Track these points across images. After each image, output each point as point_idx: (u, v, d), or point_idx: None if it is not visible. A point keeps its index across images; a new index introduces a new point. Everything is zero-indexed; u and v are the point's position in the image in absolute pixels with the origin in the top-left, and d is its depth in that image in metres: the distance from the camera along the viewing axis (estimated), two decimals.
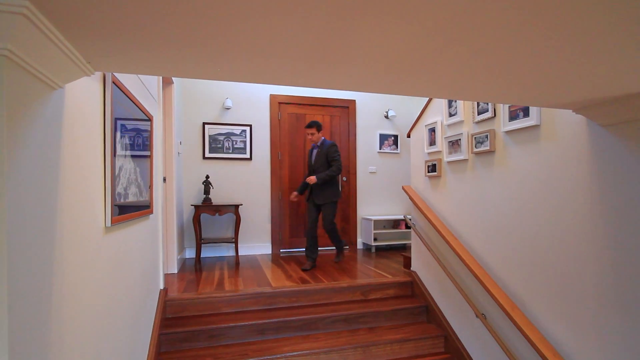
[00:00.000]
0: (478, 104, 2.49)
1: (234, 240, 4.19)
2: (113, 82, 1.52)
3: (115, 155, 1.53)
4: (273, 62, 1.06)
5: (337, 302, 3.20)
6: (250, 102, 4.70)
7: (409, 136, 3.47)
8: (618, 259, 1.66)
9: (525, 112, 2.10)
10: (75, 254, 1.16)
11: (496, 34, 0.86)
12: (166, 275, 3.46)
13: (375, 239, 4.85)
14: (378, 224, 5.00)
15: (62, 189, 1.05)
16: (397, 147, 5.27)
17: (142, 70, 1.16)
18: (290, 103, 4.83)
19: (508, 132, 2.25)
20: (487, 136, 2.39)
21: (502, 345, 2.26)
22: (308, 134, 3.81)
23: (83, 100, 1.25)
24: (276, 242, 4.75)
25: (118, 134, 1.60)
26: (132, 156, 1.86)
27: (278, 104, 4.78)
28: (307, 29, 0.82)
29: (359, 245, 5.14)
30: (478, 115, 2.49)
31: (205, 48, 0.94)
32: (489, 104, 2.38)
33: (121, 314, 1.72)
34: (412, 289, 3.39)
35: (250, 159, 4.67)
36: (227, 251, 4.63)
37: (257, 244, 4.72)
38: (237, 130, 4.59)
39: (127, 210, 1.74)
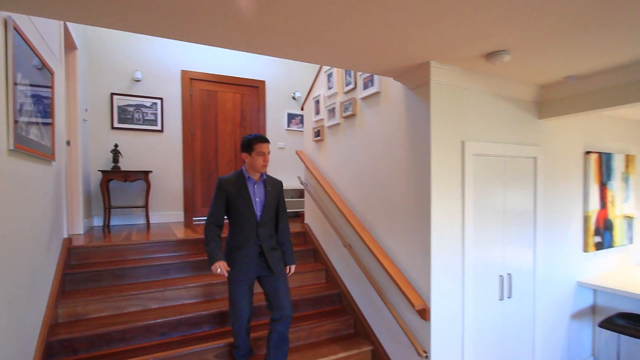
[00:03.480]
0: (346, 78, 3.14)
1: (144, 206, 4.40)
2: (14, 28, 1.79)
3: (16, 86, 1.80)
4: (155, 14, 1.49)
5: None
6: (161, 75, 4.88)
7: (302, 109, 4.06)
8: (413, 184, 2.40)
9: (372, 82, 2.78)
10: None
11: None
12: (71, 237, 3.59)
13: None
14: (286, 193, 5.56)
15: None
16: (303, 125, 5.87)
17: (50, 13, 1.50)
18: (202, 80, 5.12)
19: (363, 99, 2.92)
20: (350, 103, 3.05)
21: (362, 267, 2.95)
22: (265, 153, 2.26)
23: None
24: (189, 210, 5.03)
25: (19, 75, 1.86)
26: (34, 102, 2.11)
27: (190, 79, 5.04)
28: None
29: None
30: (345, 86, 3.14)
31: None
32: (352, 77, 3.04)
33: (22, 240, 1.99)
34: (305, 237, 4.01)
35: (162, 131, 4.87)
36: (138, 219, 4.79)
37: (169, 212, 4.95)
38: (147, 102, 4.75)
39: (29, 144, 2.00)
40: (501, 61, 2.04)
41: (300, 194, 5.75)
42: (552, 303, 3.02)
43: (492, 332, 2.64)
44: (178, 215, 5.00)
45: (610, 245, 3.45)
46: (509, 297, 2.73)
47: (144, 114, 4.74)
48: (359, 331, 3.09)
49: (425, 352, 2.35)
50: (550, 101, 2.78)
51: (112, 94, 4.59)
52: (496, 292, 2.66)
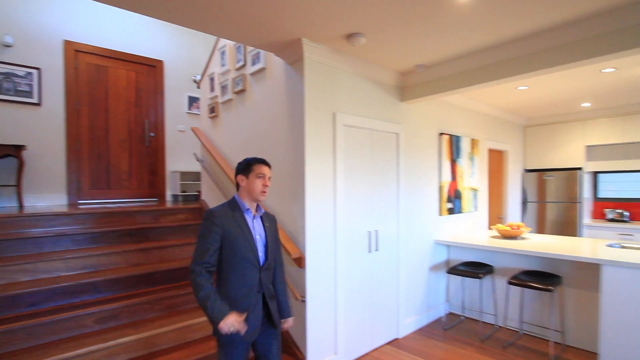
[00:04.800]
0: (237, 55, 3.32)
1: (16, 185, 3.96)
2: None
3: None
4: None
5: (129, 225, 3.59)
6: (38, 43, 4.43)
7: (199, 87, 4.11)
8: (292, 150, 2.71)
9: (259, 59, 3.02)
10: None
11: None
12: None
13: (183, 191, 5.34)
14: (186, 176, 5.49)
15: None
16: None
17: None
18: (90, 53, 4.78)
19: (252, 74, 3.15)
20: (241, 79, 3.25)
21: None
22: (265, 177, 1.88)
23: None
24: (73, 193, 4.66)
25: None
26: None
27: (74, 51, 4.67)
28: None
29: (168, 197, 5.52)
30: (237, 63, 3.32)
31: None
32: (242, 54, 3.24)
33: None
34: (201, 213, 4.08)
35: (39, 104, 4.42)
36: (9, 201, 4.28)
37: (49, 194, 4.52)
38: (20, 71, 4.27)
39: None
40: (359, 43, 2.45)
41: (199, 176, 5.72)
42: (414, 257, 3.64)
43: (363, 279, 3.10)
44: (60, 198, 4.59)
45: (460, 211, 4.26)
46: (376, 250, 3.22)
47: (16, 84, 4.25)
48: None
49: (302, 297, 2.67)
50: (408, 86, 3.36)
51: None
52: (365, 245, 3.12)
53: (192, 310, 2.90)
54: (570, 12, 2.18)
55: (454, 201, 4.15)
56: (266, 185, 1.85)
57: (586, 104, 4.78)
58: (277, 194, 2.91)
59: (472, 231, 4.46)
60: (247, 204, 1.87)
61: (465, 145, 4.31)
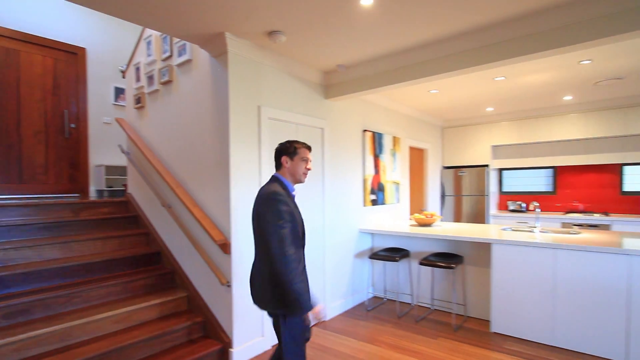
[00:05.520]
0: (163, 45, 3.32)
1: None
2: None
3: None
4: None
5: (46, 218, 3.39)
6: None
7: (124, 76, 3.99)
8: (218, 141, 2.80)
9: (185, 50, 3.06)
10: None
11: None
12: None
13: (110, 186, 5.09)
14: (112, 170, 5.24)
15: None
16: None
17: None
18: None
19: (178, 65, 3.17)
20: (167, 70, 3.25)
21: (179, 223, 3.18)
22: (308, 161, 1.92)
23: None
24: None
25: None
26: None
27: None
28: None
29: (92, 193, 5.23)
30: (163, 54, 3.32)
31: None
32: (169, 45, 3.24)
33: None
34: (127, 206, 3.97)
35: None
36: None
37: None
38: None
39: None
40: (280, 41, 2.62)
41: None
42: (340, 245, 3.90)
43: None
44: None
45: (383, 203, 4.64)
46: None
47: None
48: (176, 283, 3.31)
49: (228, 281, 2.77)
50: (332, 85, 3.61)
51: None
52: None
53: (111, 303, 2.85)
54: (459, 25, 2.57)
55: (377, 193, 4.51)
56: (308, 169, 1.87)
57: (490, 109, 5.47)
58: (203, 182, 2.98)
59: (394, 221, 4.87)
60: (292, 184, 1.87)
61: (387, 142, 4.70)
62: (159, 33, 3.38)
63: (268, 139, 3.02)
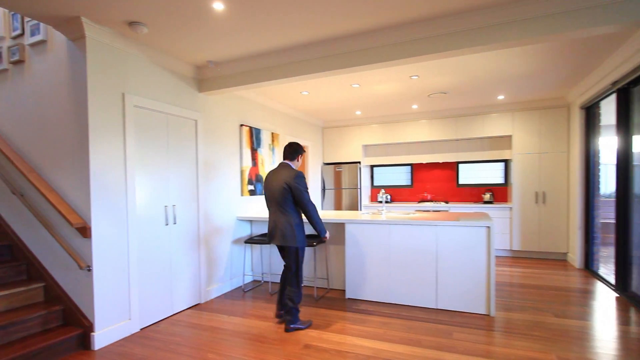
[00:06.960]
0: (13, 22, 3.11)
1: None
2: None
3: None
4: None
5: None
6: None
7: None
8: (77, 126, 2.79)
9: (39, 30, 2.95)
10: None
11: None
12: None
13: None
14: None
15: None
16: None
17: None
18: None
19: (31, 45, 3.02)
20: (18, 49, 3.06)
21: (33, 211, 3.01)
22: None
23: None
24: None
25: None
26: None
27: None
28: None
29: None
30: (13, 31, 3.11)
31: None
32: (19, 22, 3.06)
33: None
34: None
35: None
36: None
37: None
38: None
39: None
40: (142, 32, 2.76)
41: None
42: (216, 231, 4.12)
43: (160, 250, 3.37)
44: None
45: (262, 193, 5.00)
46: (174, 224, 3.55)
47: None
48: (31, 275, 3.12)
49: (88, 265, 2.77)
50: (205, 79, 3.83)
51: None
52: (162, 218, 3.41)
53: None
54: (308, 35, 3.06)
55: (255, 184, 4.85)
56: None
57: (358, 112, 6.31)
58: (61, 167, 2.91)
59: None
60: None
61: (265, 137, 5.09)
62: None
63: (134, 127, 3.09)
